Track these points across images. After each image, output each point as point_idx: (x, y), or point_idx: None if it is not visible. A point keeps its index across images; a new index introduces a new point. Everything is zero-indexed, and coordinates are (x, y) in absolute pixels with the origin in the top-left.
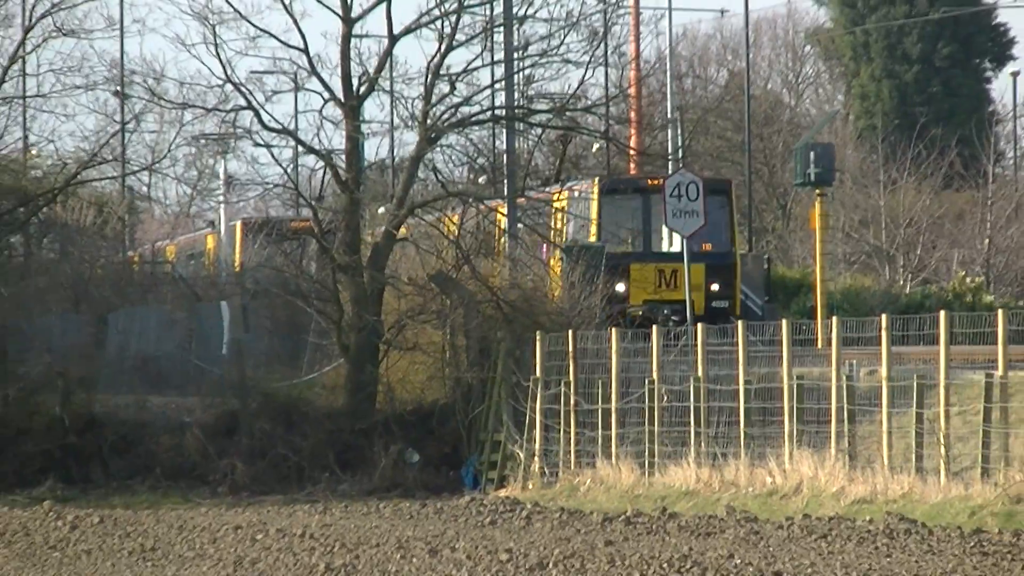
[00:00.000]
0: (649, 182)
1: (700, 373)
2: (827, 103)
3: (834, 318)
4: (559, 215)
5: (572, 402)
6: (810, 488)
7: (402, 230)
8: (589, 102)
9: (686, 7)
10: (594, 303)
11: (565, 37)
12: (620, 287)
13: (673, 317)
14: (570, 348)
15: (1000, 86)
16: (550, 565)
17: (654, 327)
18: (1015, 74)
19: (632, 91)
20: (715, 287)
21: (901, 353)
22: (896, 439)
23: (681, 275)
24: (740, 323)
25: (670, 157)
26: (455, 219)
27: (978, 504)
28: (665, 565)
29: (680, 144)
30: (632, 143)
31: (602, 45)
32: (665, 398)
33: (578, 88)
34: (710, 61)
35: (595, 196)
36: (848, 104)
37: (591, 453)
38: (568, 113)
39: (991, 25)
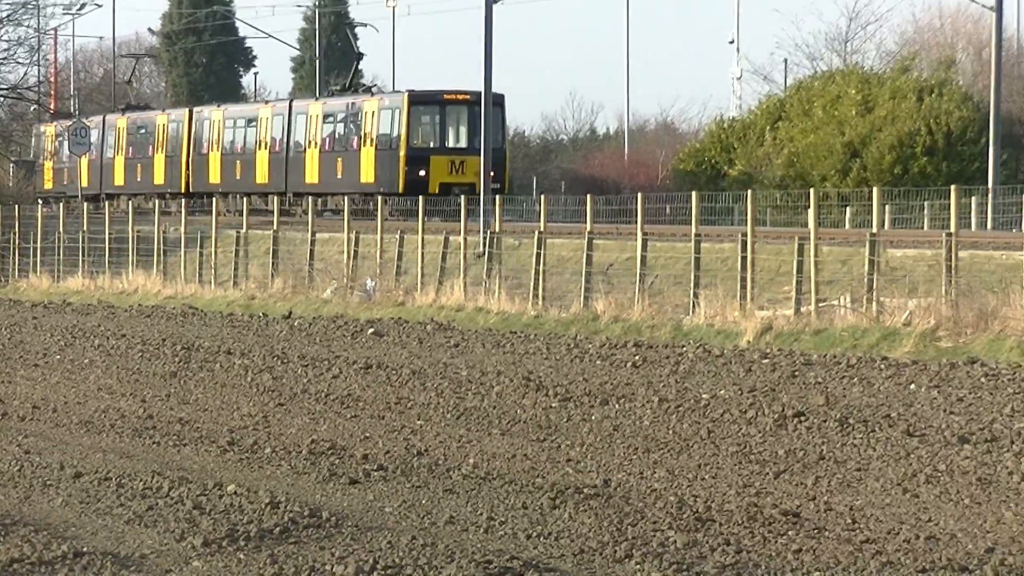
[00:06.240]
0: (445, 96)
1: (84, 228)
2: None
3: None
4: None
5: (16, 244)
6: (142, 290)
7: None
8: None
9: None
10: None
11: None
12: (422, 173)
13: (461, 195)
14: (16, 215)
15: (247, 81)
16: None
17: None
18: (256, 74)
19: (52, 82)
20: (492, 174)
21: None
22: (188, 264)
23: (468, 164)
24: (85, 203)
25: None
26: None
27: (231, 299)
28: (64, 329)
29: (76, 110)
30: (52, 108)
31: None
32: (66, 240)
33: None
34: (94, 64)
35: (405, 105)
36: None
37: (26, 271)
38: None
39: (244, 47)
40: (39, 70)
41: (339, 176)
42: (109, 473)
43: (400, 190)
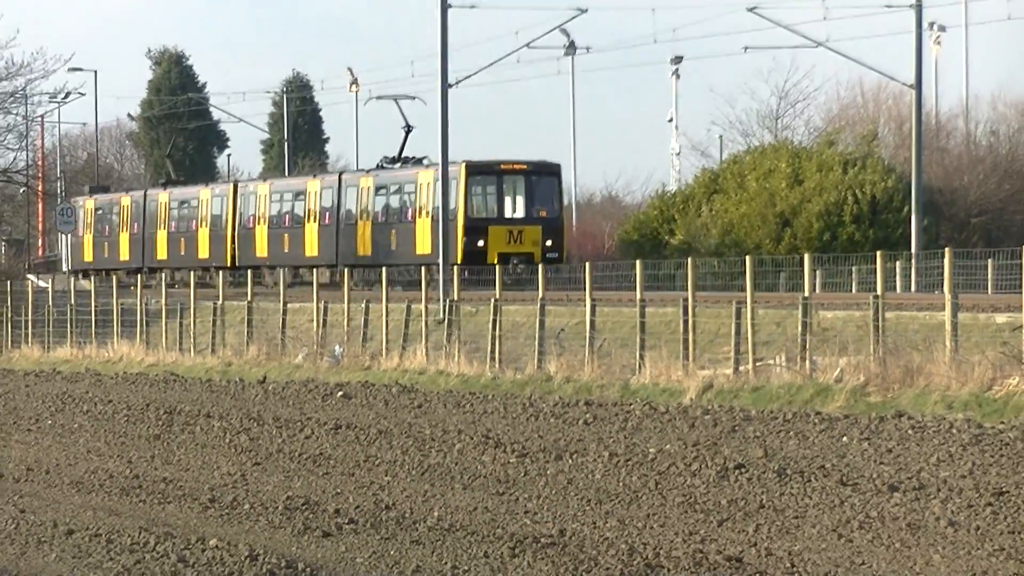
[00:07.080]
0: (502, 167)
1: (72, 302)
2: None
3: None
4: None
5: (8, 316)
6: (127, 358)
7: None
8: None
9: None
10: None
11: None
12: (480, 243)
13: (520, 264)
14: (8, 290)
15: (221, 161)
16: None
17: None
18: (229, 155)
19: (40, 165)
20: (549, 243)
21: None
22: (169, 334)
23: (526, 234)
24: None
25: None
26: None
27: (210, 366)
28: (55, 395)
29: (63, 192)
30: (40, 190)
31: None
32: (55, 312)
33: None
34: (78, 148)
35: (462, 175)
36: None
37: (18, 342)
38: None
39: (217, 130)
40: (27, 155)
41: (394, 248)
42: (99, 530)
43: (458, 260)
